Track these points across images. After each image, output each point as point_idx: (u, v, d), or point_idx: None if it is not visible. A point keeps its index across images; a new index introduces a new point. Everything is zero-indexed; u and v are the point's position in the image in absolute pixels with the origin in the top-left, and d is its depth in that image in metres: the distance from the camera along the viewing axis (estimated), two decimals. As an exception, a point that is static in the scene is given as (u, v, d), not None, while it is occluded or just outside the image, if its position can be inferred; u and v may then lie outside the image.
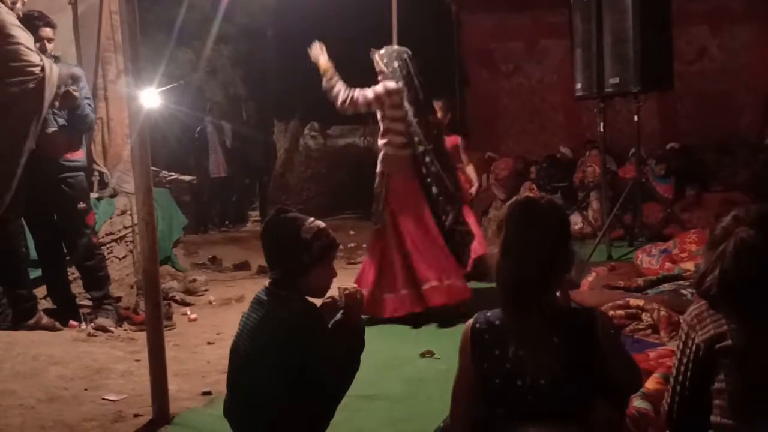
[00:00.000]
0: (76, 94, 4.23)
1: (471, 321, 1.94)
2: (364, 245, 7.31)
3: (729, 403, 1.74)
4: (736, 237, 1.76)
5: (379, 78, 4.76)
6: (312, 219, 2.37)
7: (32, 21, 4.20)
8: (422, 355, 3.79)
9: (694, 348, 1.79)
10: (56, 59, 4.37)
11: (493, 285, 1.90)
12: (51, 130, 4.24)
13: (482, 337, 1.89)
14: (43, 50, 4.22)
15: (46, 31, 4.27)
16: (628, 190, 6.50)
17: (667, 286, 4.41)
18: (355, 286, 2.42)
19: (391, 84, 4.66)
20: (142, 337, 3.60)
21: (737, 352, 1.72)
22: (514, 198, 1.97)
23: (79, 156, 4.51)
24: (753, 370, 1.72)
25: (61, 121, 4.33)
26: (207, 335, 4.43)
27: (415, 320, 4.54)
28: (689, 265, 4.81)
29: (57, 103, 4.20)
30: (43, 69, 3.95)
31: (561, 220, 1.95)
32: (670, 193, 8.04)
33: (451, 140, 5.77)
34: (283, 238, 2.33)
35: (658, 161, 8.38)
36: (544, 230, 1.87)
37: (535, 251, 1.84)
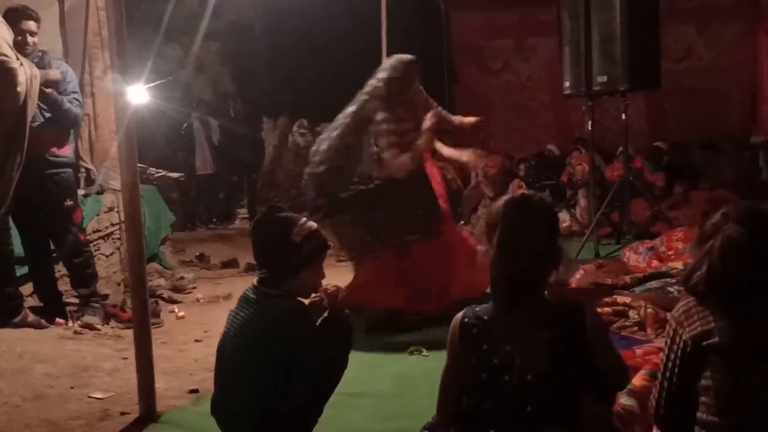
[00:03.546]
0: (48, 91, 4.17)
1: (460, 315, 1.96)
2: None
3: (715, 400, 1.75)
4: (723, 233, 1.76)
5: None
6: (304, 219, 2.35)
7: (14, 14, 4.14)
8: (411, 352, 3.79)
9: (681, 344, 1.80)
10: (44, 54, 4.32)
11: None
12: (36, 124, 4.18)
13: (470, 332, 1.90)
14: (24, 44, 4.16)
15: (28, 24, 4.19)
16: (616, 188, 6.53)
17: (654, 284, 4.44)
18: (336, 284, 2.41)
19: None
20: (129, 334, 3.59)
21: (724, 350, 1.73)
22: (509, 196, 1.97)
23: (66, 152, 4.46)
24: (739, 367, 1.73)
25: (48, 115, 4.28)
26: (194, 333, 4.42)
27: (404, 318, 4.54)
28: (677, 264, 4.84)
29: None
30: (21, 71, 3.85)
31: (553, 216, 2.00)
32: (661, 181, 8.10)
33: None
34: (274, 239, 2.32)
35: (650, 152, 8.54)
36: (538, 227, 1.90)
37: (530, 248, 1.86)
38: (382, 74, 4.47)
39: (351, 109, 4.49)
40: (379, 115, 4.34)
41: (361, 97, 4.49)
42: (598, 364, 1.85)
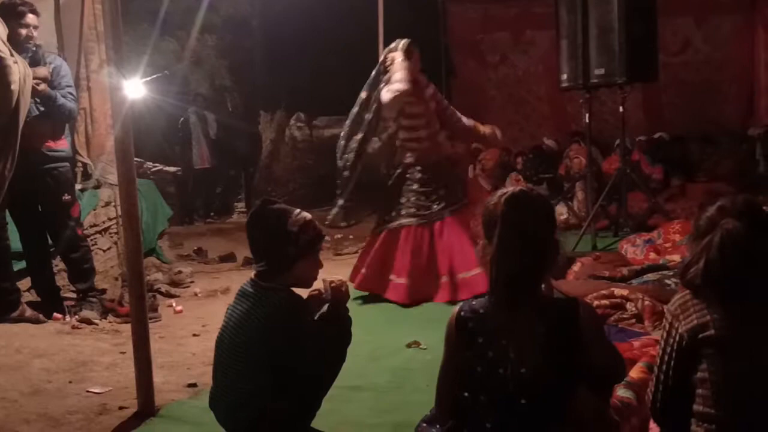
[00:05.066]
0: (39, 88, 4.14)
1: (456, 309, 1.97)
2: (351, 236, 7.31)
3: (711, 392, 1.75)
4: (722, 228, 1.77)
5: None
6: (298, 211, 2.35)
7: (17, 8, 4.12)
8: (409, 345, 3.80)
9: (677, 337, 1.80)
10: (38, 48, 4.30)
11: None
12: (30, 118, 4.14)
13: (466, 325, 1.91)
14: (29, 37, 4.16)
15: (32, 18, 4.19)
16: (613, 181, 6.53)
17: (651, 276, 4.45)
18: (341, 278, 2.42)
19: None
20: (127, 329, 3.59)
21: (720, 342, 1.74)
22: (508, 192, 1.96)
23: (63, 146, 4.45)
24: (735, 359, 1.73)
25: (42, 109, 4.26)
26: (192, 327, 4.41)
27: (401, 311, 4.55)
28: (674, 257, 4.85)
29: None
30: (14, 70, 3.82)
31: (551, 211, 2.01)
32: (659, 174, 8.10)
33: None
34: (269, 231, 2.32)
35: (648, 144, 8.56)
36: (538, 223, 1.90)
37: (531, 245, 1.86)
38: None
39: None
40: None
41: None
42: (593, 359, 1.86)
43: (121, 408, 3.00)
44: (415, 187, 4.85)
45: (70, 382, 3.33)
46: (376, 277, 4.80)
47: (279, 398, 2.23)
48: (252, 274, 2.37)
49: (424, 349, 3.73)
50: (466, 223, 4.69)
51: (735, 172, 7.98)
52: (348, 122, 5.05)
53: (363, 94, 5.01)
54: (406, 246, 4.76)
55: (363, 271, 4.87)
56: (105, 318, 4.43)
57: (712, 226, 1.80)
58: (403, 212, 4.83)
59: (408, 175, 4.90)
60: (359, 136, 4.95)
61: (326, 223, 4.82)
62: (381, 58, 5.03)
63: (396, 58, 4.90)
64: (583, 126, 7.03)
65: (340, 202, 5.02)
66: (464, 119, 5.18)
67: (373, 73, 5.02)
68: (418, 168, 4.88)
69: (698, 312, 1.78)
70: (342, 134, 5.10)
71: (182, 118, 10.36)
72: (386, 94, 4.84)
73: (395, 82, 4.81)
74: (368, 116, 4.94)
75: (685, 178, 8.17)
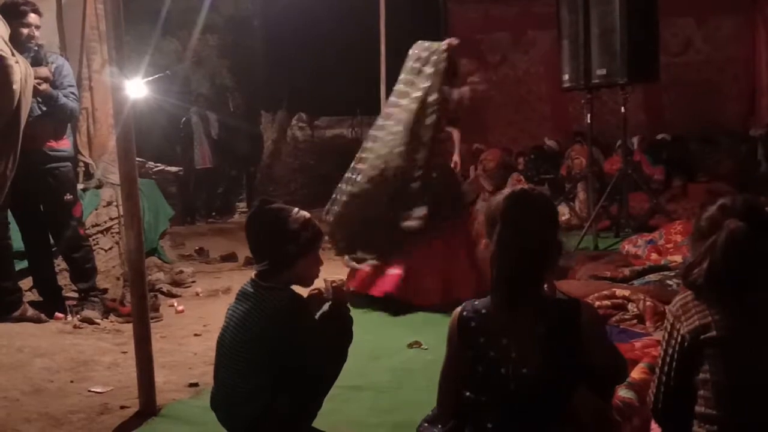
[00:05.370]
0: (41, 88, 4.14)
1: (459, 309, 1.97)
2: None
3: (713, 394, 1.75)
4: (726, 229, 1.76)
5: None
6: (297, 209, 2.36)
7: (19, 8, 4.13)
8: (409, 345, 3.80)
9: (679, 339, 1.80)
10: (40, 48, 4.31)
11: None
12: (32, 117, 4.14)
13: (468, 325, 1.91)
14: (31, 37, 4.17)
15: (34, 18, 4.20)
16: (615, 181, 6.54)
17: (652, 277, 4.45)
18: (342, 278, 2.42)
19: None
20: (128, 328, 3.59)
21: (722, 343, 1.74)
22: (509, 191, 1.96)
23: (65, 146, 4.45)
24: (737, 360, 1.73)
25: (44, 108, 4.26)
26: (194, 327, 4.42)
27: (401, 311, 4.55)
28: (676, 257, 4.85)
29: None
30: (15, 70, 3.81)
31: (553, 210, 2.01)
32: (660, 175, 8.11)
33: None
34: (269, 230, 2.32)
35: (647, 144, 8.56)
36: (539, 223, 1.90)
37: (531, 244, 1.86)
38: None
39: None
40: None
41: None
42: (594, 360, 1.86)
43: (122, 407, 3.01)
44: (450, 188, 4.78)
45: (71, 381, 3.33)
46: (437, 286, 4.55)
47: (280, 398, 2.23)
48: (252, 274, 2.37)
49: (425, 349, 3.73)
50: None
51: (736, 172, 7.98)
52: (394, 121, 4.75)
53: (406, 94, 4.75)
54: (464, 246, 4.60)
55: (424, 283, 4.56)
56: (106, 317, 4.43)
57: (713, 227, 1.80)
58: (454, 213, 4.71)
59: (445, 176, 4.77)
60: (430, 120, 4.61)
61: (404, 225, 4.61)
62: (424, 55, 4.75)
63: (461, 60, 4.86)
64: (584, 126, 7.03)
65: (423, 208, 4.54)
66: None
67: (415, 66, 4.76)
68: (450, 167, 4.87)
69: (700, 313, 1.78)
70: (394, 134, 4.73)
71: (184, 118, 10.36)
72: (466, 92, 4.72)
73: (480, 86, 4.79)
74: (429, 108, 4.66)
75: (686, 178, 8.17)
